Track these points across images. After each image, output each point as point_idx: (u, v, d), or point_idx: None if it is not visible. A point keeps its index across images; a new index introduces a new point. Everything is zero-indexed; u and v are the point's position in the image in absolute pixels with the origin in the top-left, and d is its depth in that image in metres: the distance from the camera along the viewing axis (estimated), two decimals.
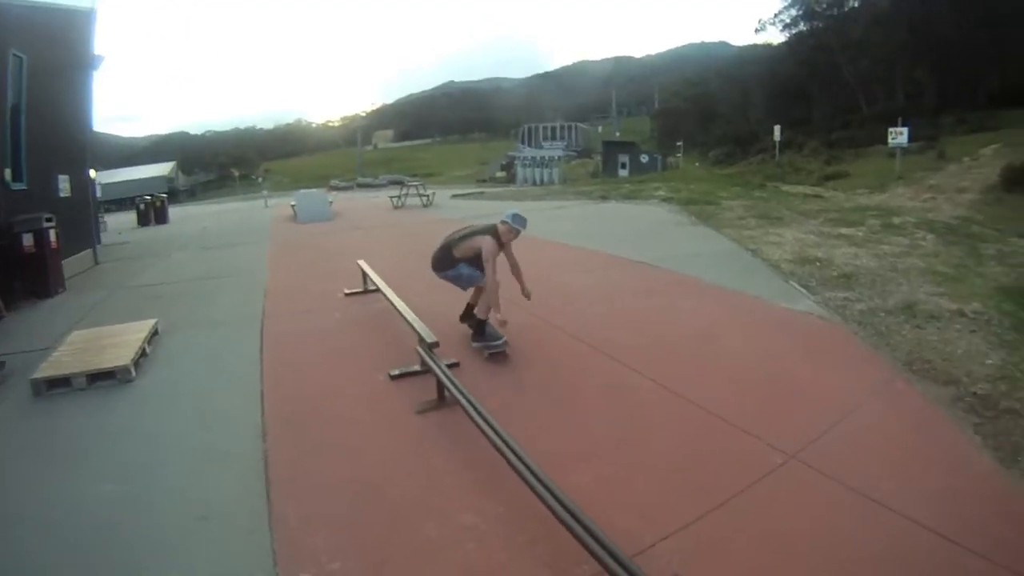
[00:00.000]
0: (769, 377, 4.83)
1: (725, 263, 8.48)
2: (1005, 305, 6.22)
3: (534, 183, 36.68)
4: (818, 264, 7.97)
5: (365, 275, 7.60)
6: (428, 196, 18.85)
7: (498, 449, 3.35)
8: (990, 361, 4.90)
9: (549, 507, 2.84)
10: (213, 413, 4.72)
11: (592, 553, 2.53)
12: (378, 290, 6.83)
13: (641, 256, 8.99)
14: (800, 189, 19.08)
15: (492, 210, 15.78)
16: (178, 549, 3.12)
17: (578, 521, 2.68)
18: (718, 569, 2.76)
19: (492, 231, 5.50)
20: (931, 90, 37.94)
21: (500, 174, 49.01)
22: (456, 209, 17.53)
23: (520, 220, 5.53)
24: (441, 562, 2.92)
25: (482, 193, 22.99)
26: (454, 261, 5.59)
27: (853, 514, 3.16)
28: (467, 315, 5.89)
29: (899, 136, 19.91)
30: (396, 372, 5.11)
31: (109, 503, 3.50)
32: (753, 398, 4.46)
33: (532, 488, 2.97)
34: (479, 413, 3.73)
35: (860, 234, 9.99)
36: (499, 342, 5.38)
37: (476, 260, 5.48)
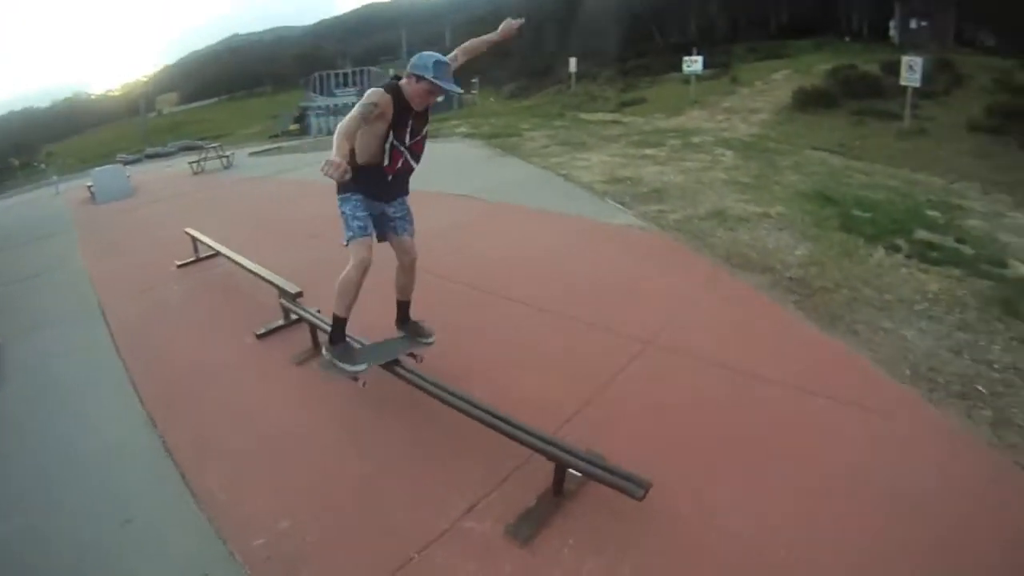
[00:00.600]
0: (614, 284, 5.83)
1: (543, 189, 9.42)
2: (805, 206, 7.84)
3: (329, 132, 36.08)
4: (629, 182, 9.21)
5: (196, 243, 7.50)
6: (228, 157, 18.79)
7: (397, 374, 3.88)
8: (799, 252, 6.32)
9: (468, 413, 3.43)
10: (91, 416, 4.65)
11: (522, 441, 3.17)
12: (214, 256, 6.92)
13: (462, 190, 9.67)
14: (599, 116, 20.83)
15: (295, 164, 16.01)
16: (114, 557, 3.21)
17: (499, 417, 3.31)
18: (615, 441, 3.51)
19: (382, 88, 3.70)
20: (723, 23, 42.66)
21: (293, 127, 48.48)
22: (258, 167, 17.39)
23: (443, 68, 3.65)
24: (381, 498, 3.31)
25: (279, 148, 22.69)
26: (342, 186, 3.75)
27: (708, 378, 4.22)
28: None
29: (694, 64, 22.42)
30: (262, 331, 5.33)
31: (19, 538, 3.45)
32: (605, 302, 5.41)
33: (446, 402, 3.56)
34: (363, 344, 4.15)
35: (663, 154, 11.55)
36: (357, 367, 3.91)
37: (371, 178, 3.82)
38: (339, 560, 2.91)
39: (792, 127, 18.21)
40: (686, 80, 23.20)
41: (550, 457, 3.05)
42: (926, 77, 18.18)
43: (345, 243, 3.75)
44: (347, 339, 3.96)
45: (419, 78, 3.59)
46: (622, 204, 8.11)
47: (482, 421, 3.33)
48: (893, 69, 20.30)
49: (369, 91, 3.64)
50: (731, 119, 19.39)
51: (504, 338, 4.93)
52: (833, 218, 7.36)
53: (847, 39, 38.37)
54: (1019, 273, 6.24)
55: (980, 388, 4.08)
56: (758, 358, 4.39)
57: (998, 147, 16.65)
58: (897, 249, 6.43)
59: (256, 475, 3.58)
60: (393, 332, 4.32)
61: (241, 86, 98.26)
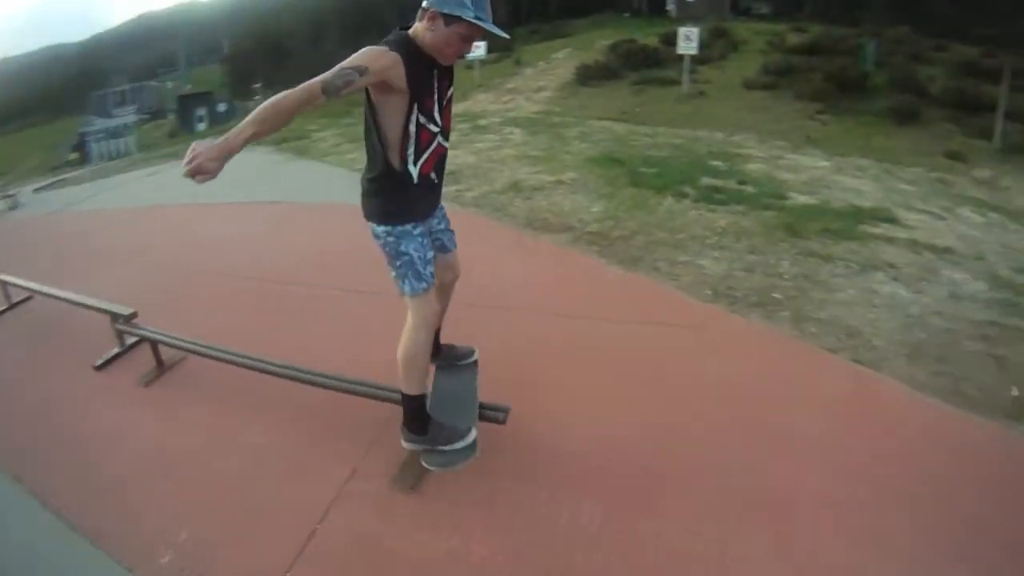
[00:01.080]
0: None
1: (347, 185, 9.43)
2: (596, 170, 8.63)
3: (111, 157, 34.03)
4: None
5: (5, 287, 6.82)
6: (12, 197, 17.16)
7: (250, 368, 3.97)
8: (594, 209, 7.07)
9: (325, 386, 3.66)
10: None
11: (383, 398, 3.45)
12: (29, 298, 6.60)
13: (271, 196, 9.62)
14: None
15: (87, 194, 15.18)
16: None
17: (355, 382, 3.58)
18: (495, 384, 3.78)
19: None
20: (504, 7, 44.58)
21: (73, 156, 44.38)
22: (46, 203, 15.96)
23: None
24: (267, 486, 3.39)
25: (63, 181, 21.15)
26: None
27: (542, 324, 4.80)
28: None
29: (477, 49, 23.22)
30: (100, 361, 5.10)
31: None
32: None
33: (303, 380, 3.74)
34: (210, 348, 4.23)
35: (453, 138, 11.89)
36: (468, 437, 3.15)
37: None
38: (250, 550, 2.98)
39: (576, 100, 19.68)
40: (470, 66, 24.01)
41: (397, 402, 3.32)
42: (702, 45, 20.39)
43: (404, 294, 2.94)
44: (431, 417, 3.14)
45: (449, 18, 2.57)
46: None
47: (341, 390, 3.58)
48: (671, 40, 22.40)
49: (362, 50, 2.57)
50: (516, 99, 20.58)
51: (342, 322, 5.19)
52: (622, 177, 8.24)
53: (627, 15, 41.82)
54: (798, 202, 7.37)
55: (776, 295, 5.02)
56: (581, 302, 5.12)
57: (773, 101, 19.01)
58: (685, 196, 7.40)
59: (140, 498, 3.49)
60: None
61: (14, 116, 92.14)
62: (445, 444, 3.02)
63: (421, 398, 3.02)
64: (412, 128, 2.68)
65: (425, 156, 2.78)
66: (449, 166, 8.86)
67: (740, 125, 15.76)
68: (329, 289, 5.85)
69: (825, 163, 11.50)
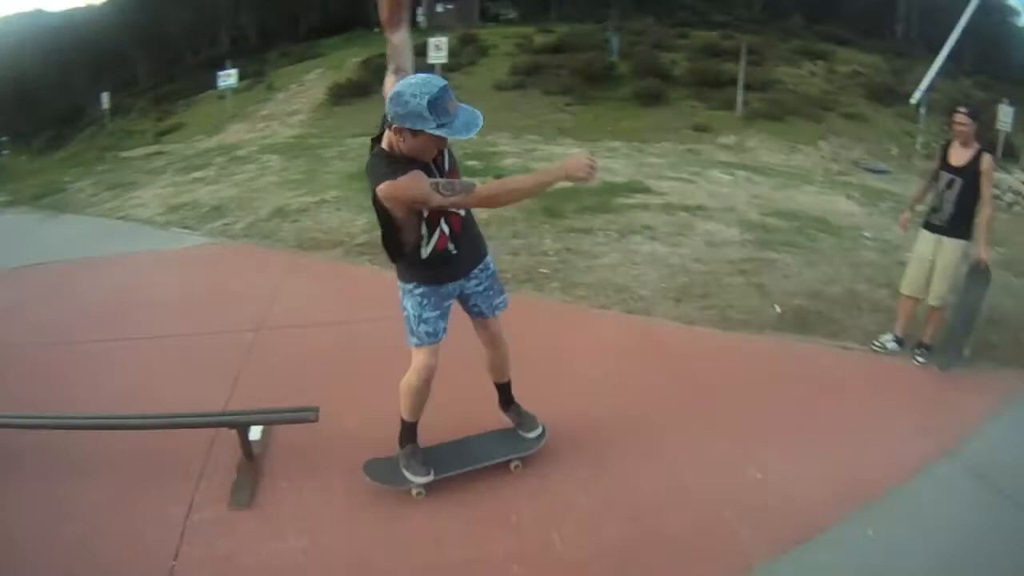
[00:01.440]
0: (205, 295, 5.94)
1: (107, 237, 8.88)
2: (356, 185, 8.66)
3: None
4: (188, 207, 9.22)
5: None
6: None
7: (59, 427, 3.74)
8: (360, 222, 7.13)
9: (143, 427, 3.55)
10: None
11: (202, 425, 3.55)
12: None
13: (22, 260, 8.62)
14: (140, 151, 20.04)
15: None
16: None
17: (167, 416, 3.51)
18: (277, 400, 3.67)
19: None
20: (254, 31, 43.37)
21: None
22: None
23: (444, 101, 2.64)
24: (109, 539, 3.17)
25: None
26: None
27: (344, 332, 4.91)
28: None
29: (228, 78, 22.42)
30: None
31: None
32: (203, 314, 5.53)
33: (119, 427, 3.59)
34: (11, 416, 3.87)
35: (212, 173, 11.83)
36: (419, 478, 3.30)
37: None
38: None
39: (331, 121, 19.81)
40: (222, 96, 23.20)
41: (230, 426, 3.38)
42: (452, 52, 20.81)
43: (410, 345, 3.12)
44: (416, 444, 3.33)
45: (415, 133, 2.61)
46: (188, 228, 8.18)
47: (160, 427, 3.50)
48: (422, 51, 22.79)
49: (410, 177, 2.61)
50: (271, 125, 20.46)
51: (136, 373, 4.80)
52: None
53: (377, 31, 42.23)
54: (554, 187, 7.75)
55: (543, 271, 5.53)
56: (364, 306, 5.15)
57: (523, 99, 20.12)
58: None
59: None
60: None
61: None
62: (405, 468, 3.21)
63: (411, 423, 3.26)
64: (424, 225, 2.82)
65: (435, 237, 2.87)
66: (213, 202, 8.70)
67: (493, 125, 16.35)
68: (124, 341, 5.41)
69: (576, 149, 12.22)
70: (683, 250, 6.08)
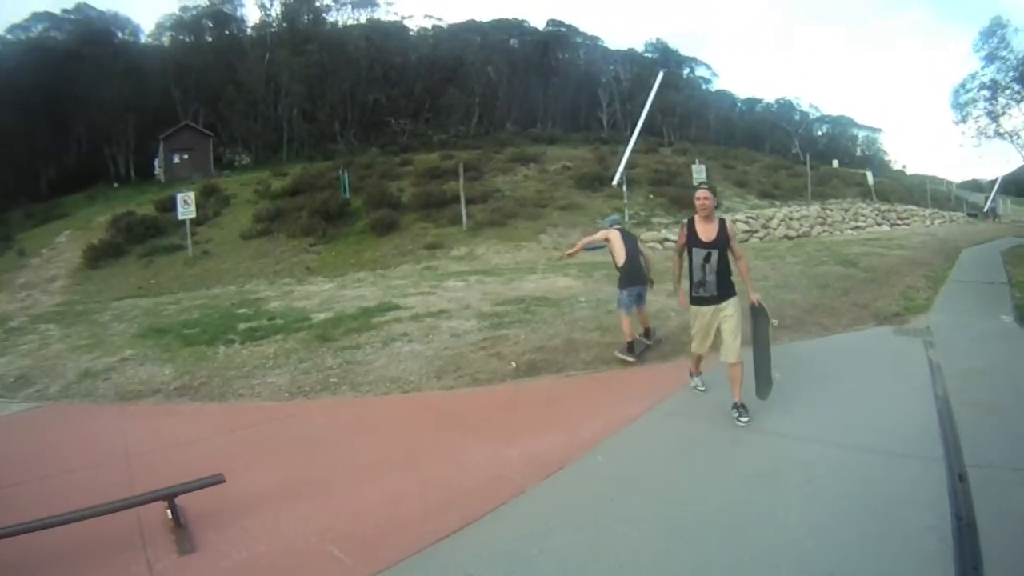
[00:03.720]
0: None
1: None
2: (147, 342, 9.61)
3: None
4: None
5: None
6: None
7: None
8: (167, 372, 8.08)
9: (71, 520, 3.94)
10: None
11: (133, 504, 4.15)
12: None
13: None
14: None
15: None
16: None
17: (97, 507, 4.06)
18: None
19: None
20: None
21: None
22: None
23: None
24: None
25: None
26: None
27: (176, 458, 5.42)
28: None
29: None
30: None
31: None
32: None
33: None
34: None
35: None
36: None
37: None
38: None
39: (92, 285, 20.12)
40: None
41: (161, 498, 4.17)
42: (196, 205, 22.04)
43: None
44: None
45: None
46: (3, 397, 8.22)
47: (100, 514, 4.01)
48: (167, 206, 23.79)
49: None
50: (32, 293, 20.20)
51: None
52: (174, 341, 9.45)
53: (116, 185, 41.73)
54: (320, 319, 9.84)
55: (333, 379, 7.19)
56: (200, 432, 6.21)
57: (270, 245, 21.78)
58: (232, 341, 9.04)
59: None
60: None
61: None
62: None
63: (631, 342, 7.10)
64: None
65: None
66: (11, 371, 9.16)
67: (247, 274, 18.28)
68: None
69: (329, 284, 14.39)
70: (435, 344, 8.06)
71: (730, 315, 5.35)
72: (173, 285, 18.34)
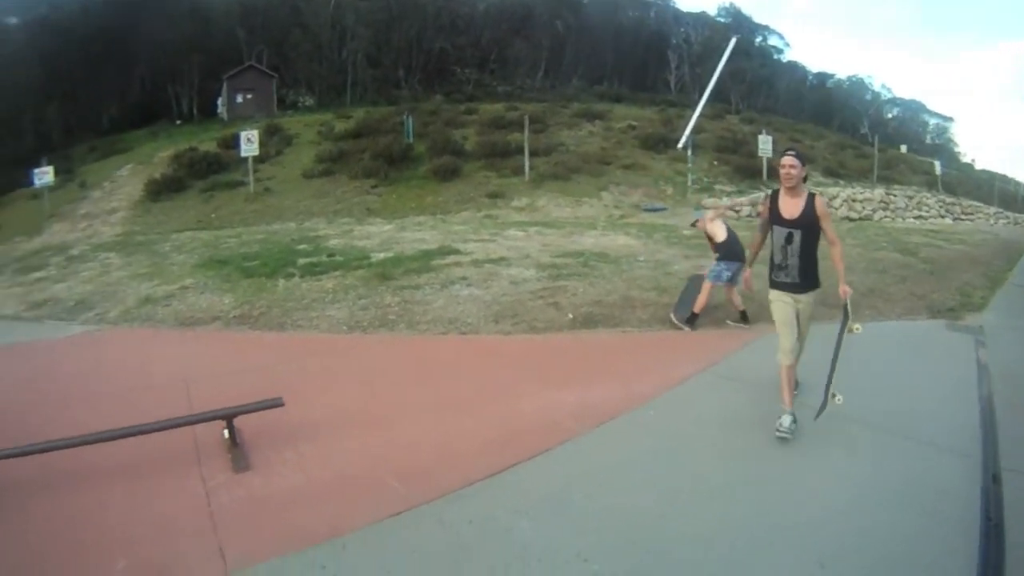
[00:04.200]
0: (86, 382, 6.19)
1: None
2: (207, 273, 9.86)
3: None
4: (50, 303, 9.14)
5: None
6: None
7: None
8: (227, 301, 8.30)
9: (130, 434, 3.96)
10: None
11: (196, 421, 4.26)
12: None
13: None
14: None
15: None
16: None
17: (155, 423, 4.04)
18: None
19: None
20: (57, 126, 41.38)
21: None
22: None
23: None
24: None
25: None
26: None
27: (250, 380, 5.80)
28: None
29: (45, 176, 21.80)
30: None
31: None
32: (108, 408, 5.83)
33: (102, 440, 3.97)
34: None
35: (54, 272, 11.78)
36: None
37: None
38: None
39: (152, 217, 20.40)
40: (35, 195, 22.77)
41: (221, 417, 4.28)
42: (260, 143, 22.16)
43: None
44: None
45: None
46: (62, 320, 8.61)
47: (160, 429, 4.14)
48: (229, 144, 23.94)
49: None
50: (93, 224, 20.54)
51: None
52: (234, 273, 9.65)
53: (178, 122, 42.24)
54: (380, 258, 9.75)
55: (391, 317, 7.24)
56: (260, 360, 6.25)
57: (332, 186, 21.79)
58: (292, 275, 9.21)
59: None
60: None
61: None
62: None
63: (696, 313, 6.96)
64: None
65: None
66: (72, 296, 9.29)
67: (308, 212, 18.36)
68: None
69: (388, 226, 14.44)
70: (493, 290, 8.09)
71: (803, 311, 4.63)
72: (233, 220, 18.58)
